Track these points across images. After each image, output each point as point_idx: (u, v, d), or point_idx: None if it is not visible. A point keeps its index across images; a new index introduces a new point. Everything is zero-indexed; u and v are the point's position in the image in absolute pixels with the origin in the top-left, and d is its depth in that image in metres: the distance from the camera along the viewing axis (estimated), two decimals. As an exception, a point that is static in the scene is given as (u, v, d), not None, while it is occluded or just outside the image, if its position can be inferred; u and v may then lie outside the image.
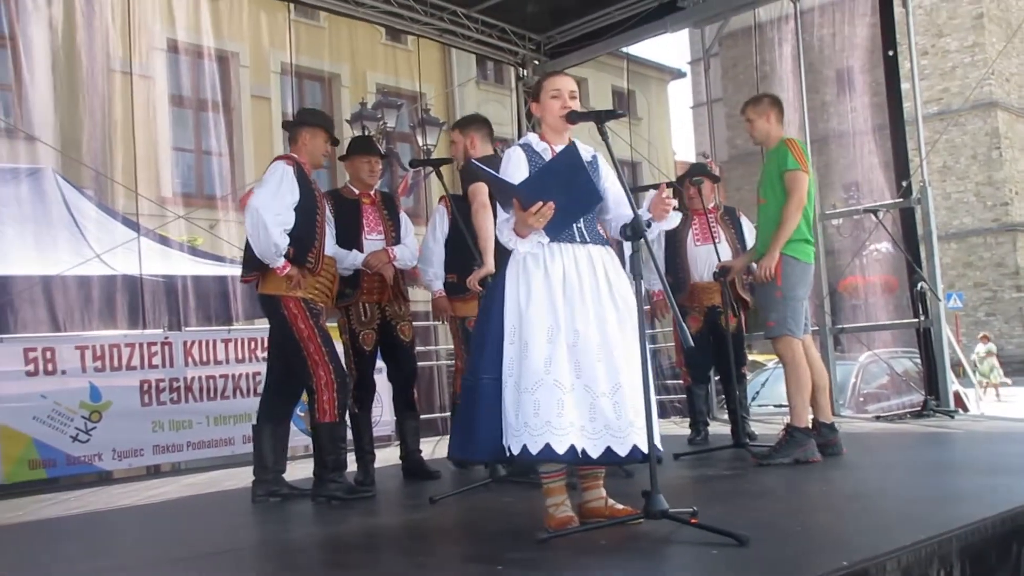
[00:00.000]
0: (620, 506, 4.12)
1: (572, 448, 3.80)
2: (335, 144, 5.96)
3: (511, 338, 3.96)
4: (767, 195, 6.19)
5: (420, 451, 6.55)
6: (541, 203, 3.84)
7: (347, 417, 6.36)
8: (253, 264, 5.53)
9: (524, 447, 3.81)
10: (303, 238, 5.49)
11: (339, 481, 5.53)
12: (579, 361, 3.90)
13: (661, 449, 3.99)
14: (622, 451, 3.87)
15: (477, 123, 6.26)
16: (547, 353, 3.88)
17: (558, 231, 4.00)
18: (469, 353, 4.33)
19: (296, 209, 5.46)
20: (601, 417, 3.86)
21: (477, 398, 4.00)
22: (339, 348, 6.51)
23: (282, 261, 5.38)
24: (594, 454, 3.85)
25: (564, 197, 3.89)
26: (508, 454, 3.90)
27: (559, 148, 4.18)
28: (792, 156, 6.05)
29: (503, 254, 4.25)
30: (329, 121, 5.96)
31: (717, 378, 8.31)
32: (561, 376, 3.85)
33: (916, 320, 8.93)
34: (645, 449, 3.84)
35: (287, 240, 5.39)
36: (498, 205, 4.16)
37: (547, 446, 3.78)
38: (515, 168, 4.15)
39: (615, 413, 3.87)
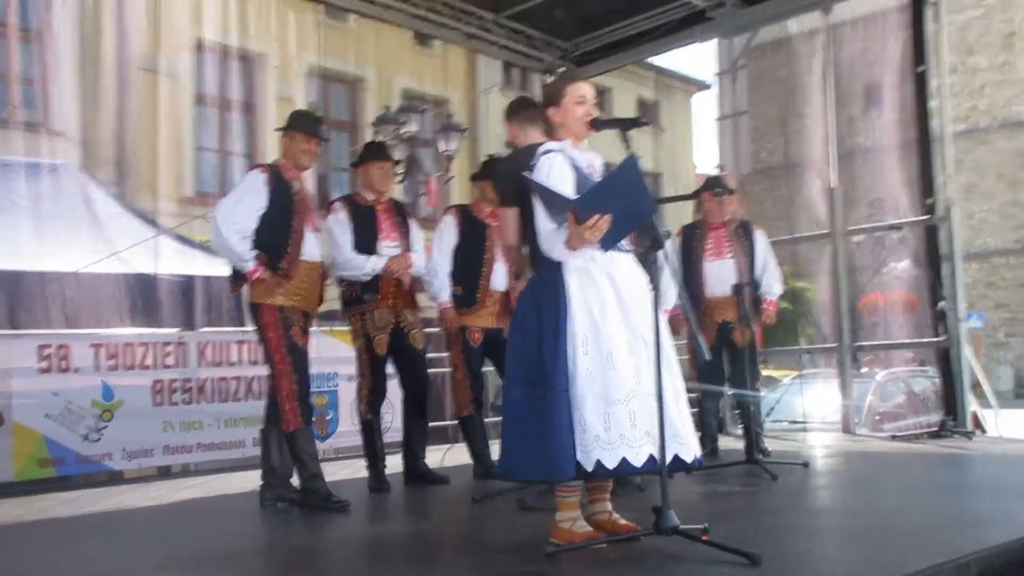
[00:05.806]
0: (624, 521, 4.06)
1: (651, 457, 3.75)
2: (323, 140, 5.78)
3: (584, 348, 3.83)
4: None
5: (424, 457, 6.54)
6: (598, 216, 3.72)
7: (359, 422, 6.35)
8: (238, 273, 5.55)
9: (624, 459, 3.72)
10: (276, 244, 5.45)
11: (318, 487, 5.48)
12: (645, 369, 3.86)
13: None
14: (688, 457, 3.85)
15: (523, 109, 5.49)
16: (634, 363, 3.85)
17: (612, 244, 3.88)
18: (522, 368, 3.97)
19: (267, 215, 5.43)
20: (669, 425, 3.77)
21: (554, 414, 3.79)
22: (351, 353, 6.48)
23: (251, 266, 5.36)
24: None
25: (621, 209, 3.78)
26: (594, 469, 3.73)
27: (581, 155, 4.12)
28: None
29: (545, 263, 4.04)
30: (309, 121, 5.79)
31: (731, 393, 8.25)
32: (649, 387, 3.78)
33: (935, 339, 8.84)
34: (686, 458, 3.84)
35: (247, 245, 5.37)
36: (538, 215, 3.98)
37: (651, 457, 3.74)
38: (559, 176, 3.97)
39: (680, 420, 3.86)
